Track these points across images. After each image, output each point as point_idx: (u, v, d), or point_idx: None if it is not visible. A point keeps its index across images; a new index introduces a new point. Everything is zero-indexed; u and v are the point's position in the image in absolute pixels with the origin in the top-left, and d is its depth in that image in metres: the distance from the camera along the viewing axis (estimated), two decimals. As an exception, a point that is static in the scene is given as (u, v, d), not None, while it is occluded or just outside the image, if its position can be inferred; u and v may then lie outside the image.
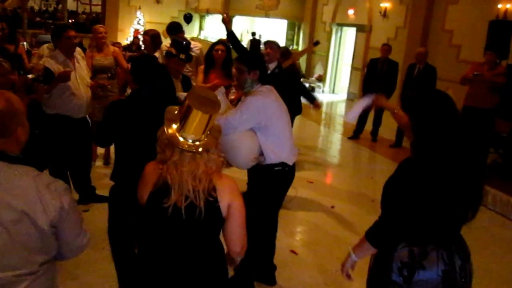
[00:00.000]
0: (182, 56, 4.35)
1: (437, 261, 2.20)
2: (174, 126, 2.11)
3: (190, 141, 2.07)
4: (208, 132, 2.12)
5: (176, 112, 2.17)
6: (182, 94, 4.05)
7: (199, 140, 2.08)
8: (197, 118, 2.06)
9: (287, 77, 5.62)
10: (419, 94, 2.46)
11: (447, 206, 2.17)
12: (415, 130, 2.26)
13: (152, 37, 6.10)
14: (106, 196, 5.09)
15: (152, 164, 2.21)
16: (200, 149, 2.08)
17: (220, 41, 5.61)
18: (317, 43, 7.63)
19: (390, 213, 2.25)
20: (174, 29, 5.88)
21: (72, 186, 4.95)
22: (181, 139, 2.07)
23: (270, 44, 5.85)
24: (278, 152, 3.53)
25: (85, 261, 3.99)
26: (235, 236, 2.22)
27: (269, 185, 3.66)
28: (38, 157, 4.78)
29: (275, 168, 3.56)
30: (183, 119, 2.08)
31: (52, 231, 1.85)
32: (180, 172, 2.06)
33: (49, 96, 4.66)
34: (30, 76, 5.04)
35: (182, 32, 5.82)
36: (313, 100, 6.48)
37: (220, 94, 3.67)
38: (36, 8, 20.12)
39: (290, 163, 3.63)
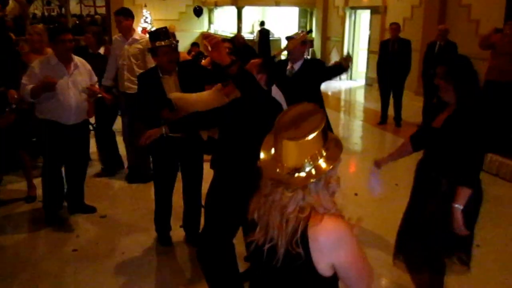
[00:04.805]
0: (165, 42, 3.93)
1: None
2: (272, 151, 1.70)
3: (300, 172, 1.61)
4: (322, 153, 1.64)
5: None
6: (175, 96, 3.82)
7: (300, 170, 1.61)
8: (286, 147, 1.61)
9: (311, 72, 5.15)
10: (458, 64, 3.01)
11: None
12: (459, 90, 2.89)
13: (94, 34, 6.04)
14: (93, 207, 5.15)
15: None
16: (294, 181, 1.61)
17: (226, 39, 5.28)
18: (310, 31, 7.36)
19: (472, 155, 2.86)
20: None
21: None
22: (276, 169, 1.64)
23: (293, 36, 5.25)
24: None
25: (108, 265, 4.11)
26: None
27: None
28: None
29: None
30: (277, 152, 1.66)
31: None
32: (268, 209, 1.67)
33: (38, 101, 4.51)
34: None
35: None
36: (342, 67, 5.50)
37: (213, 92, 3.62)
38: (39, 13, 20.01)
39: None
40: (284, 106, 3.53)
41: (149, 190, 5.23)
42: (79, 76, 4.68)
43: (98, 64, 5.55)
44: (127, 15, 5.70)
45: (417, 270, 3.24)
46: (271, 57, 5.50)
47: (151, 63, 5.48)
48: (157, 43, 3.93)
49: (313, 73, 5.15)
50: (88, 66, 4.86)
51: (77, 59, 4.72)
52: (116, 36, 6.00)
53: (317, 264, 1.63)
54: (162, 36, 3.94)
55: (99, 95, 4.90)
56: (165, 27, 4.08)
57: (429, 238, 3.08)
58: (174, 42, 4.02)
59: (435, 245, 3.08)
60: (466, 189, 2.89)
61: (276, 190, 1.65)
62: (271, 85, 3.29)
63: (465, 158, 2.87)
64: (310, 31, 7.41)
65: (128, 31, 5.71)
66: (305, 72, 5.06)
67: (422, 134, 3.26)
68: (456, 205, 2.91)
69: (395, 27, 8.91)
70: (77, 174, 5.03)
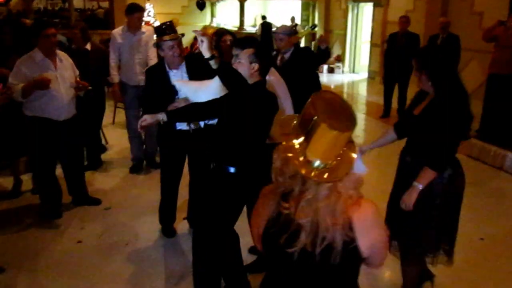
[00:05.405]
0: (170, 36, 3.92)
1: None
2: (295, 141, 1.59)
3: (318, 164, 1.56)
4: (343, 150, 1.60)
5: (294, 123, 1.64)
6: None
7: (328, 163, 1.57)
8: (329, 137, 1.53)
9: (302, 60, 5.22)
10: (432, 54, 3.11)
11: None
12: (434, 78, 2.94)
13: (82, 30, 5.88)
14: (98, 199, 5.17)
15: (268, 190, 1.76)
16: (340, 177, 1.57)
17: (226, 31, 5.16)
18: (314, 26, 7.32)
19: (444, 141, 2.91)
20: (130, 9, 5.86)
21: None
22: (311, 164, 1.56)
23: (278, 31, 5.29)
24: None
25: (113, 257, 4.15)
26: (375, 261, 1.80)
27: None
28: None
29: None
30: (308, 137, 1.56)
31: None
32: (316, 209, 1.59)
33: (29, 99, 4.36)
34: None
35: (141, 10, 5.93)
36: (321, 50, 5.85)
37: (216, 81, 3.56)
38: (42, 8, 19.92)
39: None
40: (281, 92, 3.53)
41: (153, 182, 5.25)
42: (65, 71, 4.58)
43: (86, 61, 5.51)
44: (141, 11, 5.84)
45: (409, 261, 3.26)
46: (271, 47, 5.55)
47: (153, 54, 5.54)
48: (164, 38, 3.93)
49: (304, 60, 5.25)
50: (70, 60, 4.75)
51: (60, 54, 4.64)
52: (118, 30, 6.01)
53: (361, 246, 1.64)
54: (168, 31, 3.93)
55: (90, 88, 4.81)
56: (170, 21, 4.06)
57: (411, 227, 3.09)
58: (180, 36, 4.02)
59: (416, 234, 3.09)
60: (430, 171, 2.93)
61: (322, 186, 1.59)
62: (265, 74, 3.21)
63: (436, 142, 2.92)
64: (315, 26, 7.16)
65: (139, 27, 5.79)
66: (296, 59, 5.15)
67: (404, 121, 3.35)
68: (416, 183, 2.98)
69: (405, 20, 8.81)
70: (75, 169, 4.99)
